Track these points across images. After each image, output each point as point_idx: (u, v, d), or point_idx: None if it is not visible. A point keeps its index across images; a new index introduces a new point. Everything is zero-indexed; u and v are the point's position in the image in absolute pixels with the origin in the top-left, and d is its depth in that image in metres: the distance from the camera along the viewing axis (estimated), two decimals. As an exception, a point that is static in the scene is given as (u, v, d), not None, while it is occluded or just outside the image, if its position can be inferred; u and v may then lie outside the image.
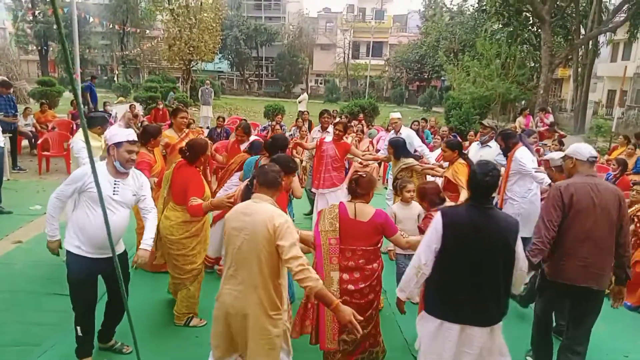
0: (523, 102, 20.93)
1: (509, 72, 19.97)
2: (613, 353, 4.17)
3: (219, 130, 10.42)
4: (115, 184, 3.27)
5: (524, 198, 5.18)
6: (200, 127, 12.45)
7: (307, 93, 22.20)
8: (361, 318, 2.72)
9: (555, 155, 5.15)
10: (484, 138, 6.18)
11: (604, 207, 3.21)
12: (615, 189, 3.38)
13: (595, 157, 3.41)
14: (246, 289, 2.71)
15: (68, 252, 3.24)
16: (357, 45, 46.83)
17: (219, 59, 40.68)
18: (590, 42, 21.51)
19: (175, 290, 4.20)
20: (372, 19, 46.09)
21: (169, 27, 25.24)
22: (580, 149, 3.46)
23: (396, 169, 5.61)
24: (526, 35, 22.12)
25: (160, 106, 13.84)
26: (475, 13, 28.35)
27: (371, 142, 10.29)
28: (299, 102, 19.00)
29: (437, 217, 2.73)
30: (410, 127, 10.13)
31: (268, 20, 46.91)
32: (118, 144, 3.22)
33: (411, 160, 5.61)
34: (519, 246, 2.74)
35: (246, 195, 3.22)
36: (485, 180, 2.68)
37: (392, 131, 7.42)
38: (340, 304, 2.62)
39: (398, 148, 5.65)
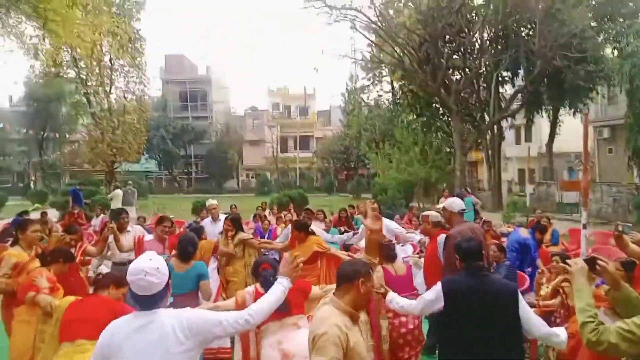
0: (444, 184, 22.10)
1: (427, 158, 21.22)
2: None
3: (139, 231, 9.88)
4: None
5: None
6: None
7: (238, 187, 22.09)
8: None
9: (434, 213, 5.70)
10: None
11: None
12: None
13: (464, 210, 4.46)
14: None
15: None
16: (285, 140, 48.28)
17: (146, 158, 40.05)
18: (495, 127, 23.64)
19: None
20: (297, 115, 48.29)
21: (91, 130, 24.78)
22: (455, 202, 4.43)
23: (234, 242, 5.63)
24: (439, 123, 23.96)
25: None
26: (391, 106, 30.54)
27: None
28: (110, 200, 16.20)
29: (438, 287, 3.00)
30: (339, 215, 10.29)
31: (195, 120, 47.25)
32: None
33: (247, 235, 5.90)
34: (524, 310, 2.83)
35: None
36: (466, 247, 2.99)
37: (210, 218, 7.26)
38: None
39: (237, 222, 5.88)
